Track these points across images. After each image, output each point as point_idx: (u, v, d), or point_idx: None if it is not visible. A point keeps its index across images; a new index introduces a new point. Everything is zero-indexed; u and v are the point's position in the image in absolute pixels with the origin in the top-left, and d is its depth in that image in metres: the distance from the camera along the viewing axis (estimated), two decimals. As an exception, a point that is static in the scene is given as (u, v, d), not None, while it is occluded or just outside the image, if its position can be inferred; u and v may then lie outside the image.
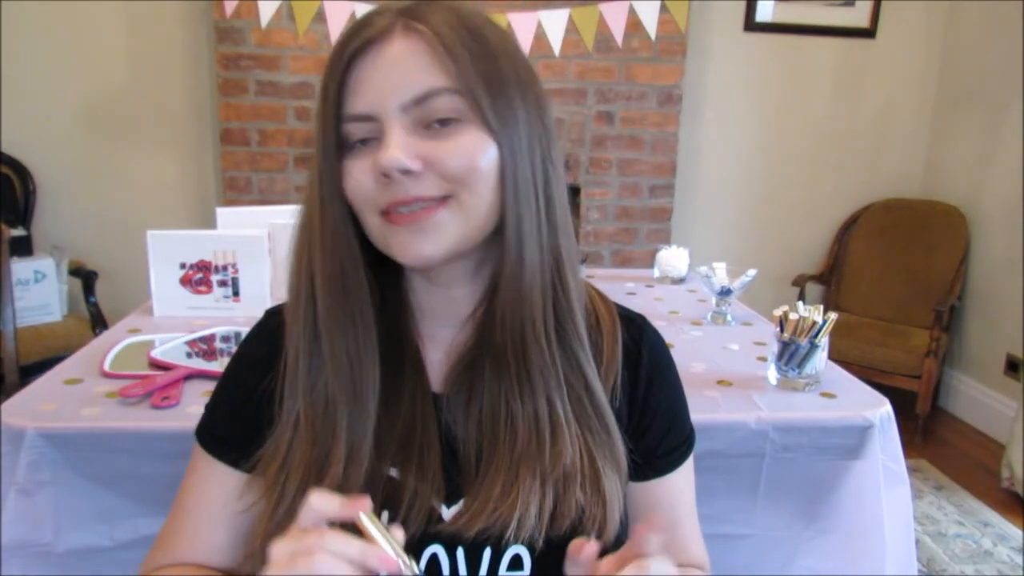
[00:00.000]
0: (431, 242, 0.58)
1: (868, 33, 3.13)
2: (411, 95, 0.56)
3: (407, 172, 0.56)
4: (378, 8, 0.59)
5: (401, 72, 0.56)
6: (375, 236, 0.61)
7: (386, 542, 0.48)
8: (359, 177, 0.58)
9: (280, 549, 0.48)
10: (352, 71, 0.57)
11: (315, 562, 0.46)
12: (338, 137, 0.59)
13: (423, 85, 0.56)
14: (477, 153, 0.57)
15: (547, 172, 0.61)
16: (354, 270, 0.61)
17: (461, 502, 0.62)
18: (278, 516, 0.60)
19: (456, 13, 0.59)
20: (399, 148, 0.56)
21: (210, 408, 0.72)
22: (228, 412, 0.69)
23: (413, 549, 0.62)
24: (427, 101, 0.56)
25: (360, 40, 0.57)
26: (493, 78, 0.58)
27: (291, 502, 0.60)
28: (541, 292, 0.62)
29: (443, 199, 0.57)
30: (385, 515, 0.61)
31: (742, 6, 3.06)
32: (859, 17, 3.11)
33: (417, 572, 0.49)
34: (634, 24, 2.82)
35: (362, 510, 0.49)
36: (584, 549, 0.51)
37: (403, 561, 0.48)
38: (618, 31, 2.82)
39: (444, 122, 0.57)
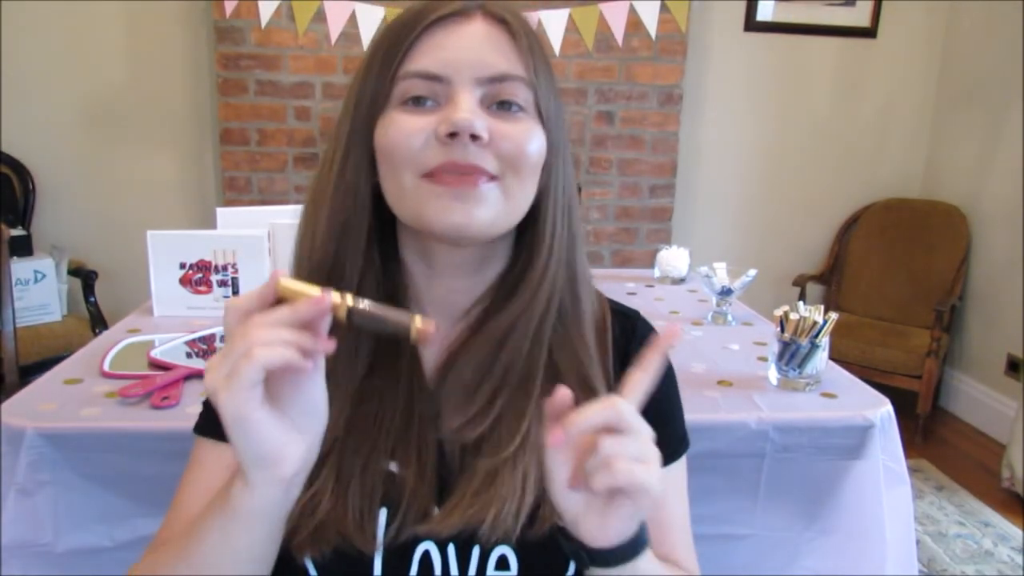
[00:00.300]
0: (471, 211, 0.57)
1: (868, 33, 3.13)
2: (491, 72, 0.58)
3: (476, 138, 0.56)
4: None
5: (483, 49, 0.58)
6: (406, 200, 0.59)
7: (313, 289, 0.47)
8: (411, 132, 0.58)
9: (214, 357, 0.46)
10: (428, 35, 0.58)
11: (253, 342, 0.44)
12: (387, 91, 0.59)
13: (503, 67, 0.58)
14: (533, 141, 0.60)
15: (569, 177, 0.65)
16: (359, 224, 0.62)
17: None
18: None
19: (521, 16, 0.62)
20: (475, 112, 0.57)
21: (207, 402, 0.71)
22: None
23: (407, 546, 0.62)
24: (503, 83, 0.58)
25: (442, 11, 0.59)
26: (551, 81, 0.62)
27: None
28: (547, 298, 0.63)
29: (492, 177, 0.59)
30: (383, 513, 0.61)
31: (742, 6, 3.06)
32: (859, 17, 3.11)
33: (351, 301, 0.48)
34: (634, 24, 2.82)
35: (279, 278, 0.48)
36: (557, 395, 0.49)
37: (334, 295, 0.47)
38: (618, 31, 2.82)
39: (508, 106, 0.59)
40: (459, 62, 0.57)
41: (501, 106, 0.59)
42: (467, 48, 0.58)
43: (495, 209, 0.58)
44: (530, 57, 0.60)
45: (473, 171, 0.57)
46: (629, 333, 0.71)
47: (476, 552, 0.62)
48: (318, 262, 0.62)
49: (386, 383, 0.64)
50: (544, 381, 0.63)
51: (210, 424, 0.68)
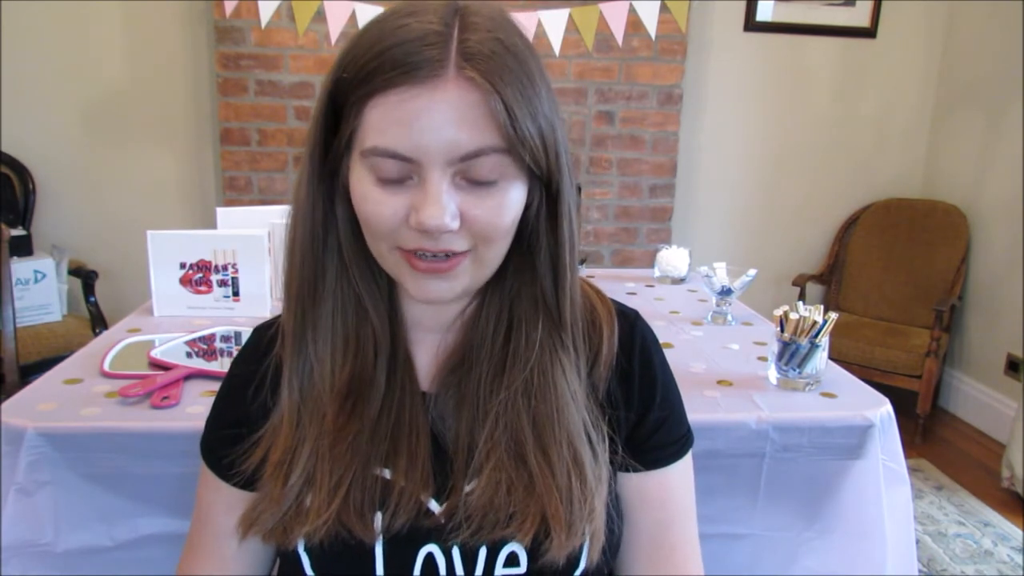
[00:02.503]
0: (447, 287, 0.60)
1: (868, 33, 3.13)
2: (461, 152, 0.54)
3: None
4: (422, 30, 0.53)
5: (453, 124, 0.53)
6: (386, 264, 0.61)
7: None
8: (386, 215, 0.56)
9: None
10: (395, 92, 0.53)
11: None
12: (351, 133, 0.57)
13: (474, 143, 0.54)
14: (508, 213, 0.58)
15: (567, 192, 0.62)
16: (340, 278, 0.63)
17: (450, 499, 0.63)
18: (285, 499, 0.61)
19: (502, 41, 0.55)
20: (445, 208, 0.54)
21: (209, 425, 0.73)
22: (224, 434, 0.70)
23: (408, 549, 0.62)
24: (476, 158, 0.54)
25: (412, 71, 0.52)
26: (536, 124, 0.56)
27: (298, 483, 0.61)
28: (533, 302, 0.64)
29: (465, 252, 0.58)
30: (379, 517, 0.61)
31: (742, 6, 3.06)
32: (859, 17, 3.11)
33: None
34: (634, 24, 2.82)
35: None
36: None
37: None
38: (618, 31, 2.82)
39: (482, 180, 0.56)
40: (429, 142, 0.53)
41: (475, 181, 0.56)
42: (437, 128, 0.53)
43: (468, 278, 0.60)
44: (513, 114, 0.54)
45: (443, 253, 0.57)
46: (630, 331, 0.71)
47: (483, 551, 0.62)
48: (299, 267, 0.63)
49: (379, 390, 0.64)
50: (530, 379, 0.63)
51: (210, 452, 0.71)
